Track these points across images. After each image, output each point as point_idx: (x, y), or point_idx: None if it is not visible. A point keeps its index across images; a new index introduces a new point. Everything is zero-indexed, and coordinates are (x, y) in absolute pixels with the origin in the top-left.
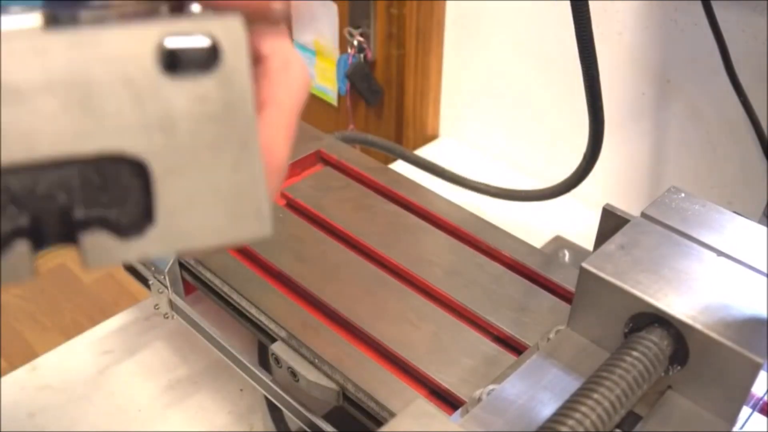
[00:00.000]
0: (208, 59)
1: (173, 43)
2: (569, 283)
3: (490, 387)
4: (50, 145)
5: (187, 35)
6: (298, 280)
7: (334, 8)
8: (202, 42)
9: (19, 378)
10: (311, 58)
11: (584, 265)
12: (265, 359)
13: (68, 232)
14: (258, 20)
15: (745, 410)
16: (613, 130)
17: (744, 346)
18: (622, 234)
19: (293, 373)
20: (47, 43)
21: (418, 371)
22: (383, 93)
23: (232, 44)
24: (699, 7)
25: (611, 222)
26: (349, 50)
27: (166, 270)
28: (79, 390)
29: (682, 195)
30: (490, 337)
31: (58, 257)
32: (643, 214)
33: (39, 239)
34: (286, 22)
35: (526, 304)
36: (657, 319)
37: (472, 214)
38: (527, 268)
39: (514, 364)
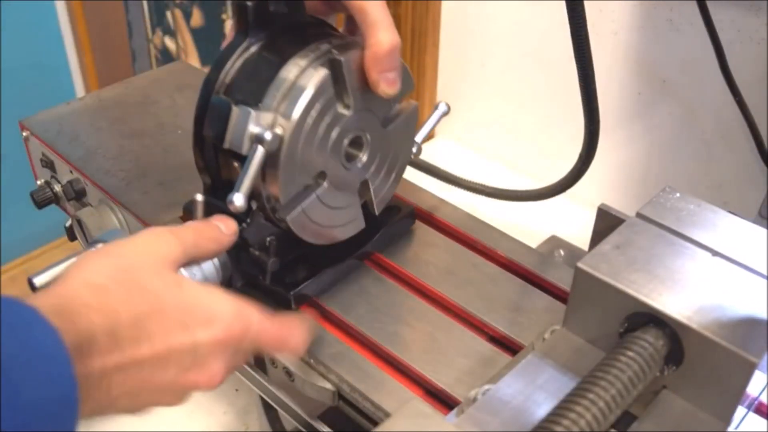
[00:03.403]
0: None
1: None
2: (565, 283)
3: (486, 387)
4: None
5: None
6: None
7: None
8: None
9: None
10: None
11: (579, 264)
12: (260, 359)
13: None
14: None
15: (741, 410)
16: (608, 130)
17: (739, 346)
18: (617, 234)
19: (288, 373)
20: None
21: (414, 371)
22: None
23: None
24: (694, 8)
25: (606, 222)
26: None
27: None
28: None
29: (677, 195)
30: (485, 337)
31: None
32: (638, 214)
33: None
34: None
35: (521, 304)
36: (652, 319)
37: (467, 214)
38: (523, 268)
39: (509, 364)
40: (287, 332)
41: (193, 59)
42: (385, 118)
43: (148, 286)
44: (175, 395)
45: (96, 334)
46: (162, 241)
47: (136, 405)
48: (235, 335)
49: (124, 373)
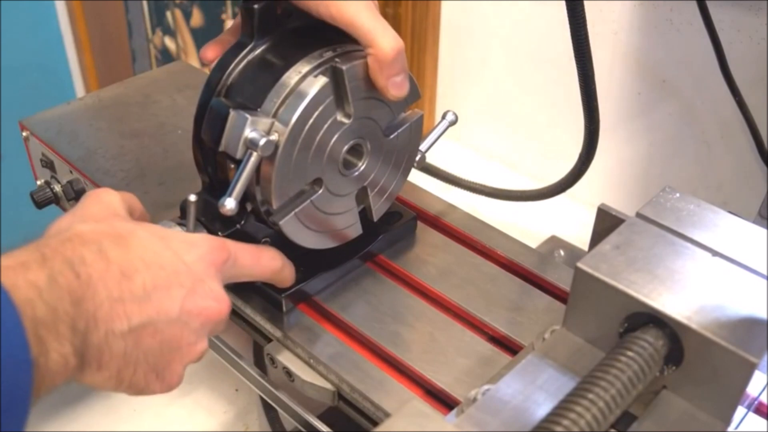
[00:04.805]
0: None
1: None
2: (564, 283)
3: (486, 387)
4: None
5: None
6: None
7: None
8: None
9: None
10: None
11: (579, 264)
12: (260, 359)
13: None
14: None
15: (741, 410)
16: (608, 130)
17: (739, 346)
18: (617, 234)
19: (288, 374)
20: None
21: (413, 371)
22: None
23: None
24: (694, 8)
25: (606, 222)
26: None
27: None
28: (74, 390)
29: (677, 195)
30: (485, 337)
31: None
32: (638, 214)
33: None
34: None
35: (521, 304)
36: (652, 319)
37: (467, 214)
38: (522, 268)
39: (509, 364)
40: (258, 249)
41: (193, 59)
42: (387, 127)
43: (112, 223)
44: (192, 330)
45: (85, 256)
46: (102, 195)
47: (158, 353)
48: (221, 254)
49: (134, 302)
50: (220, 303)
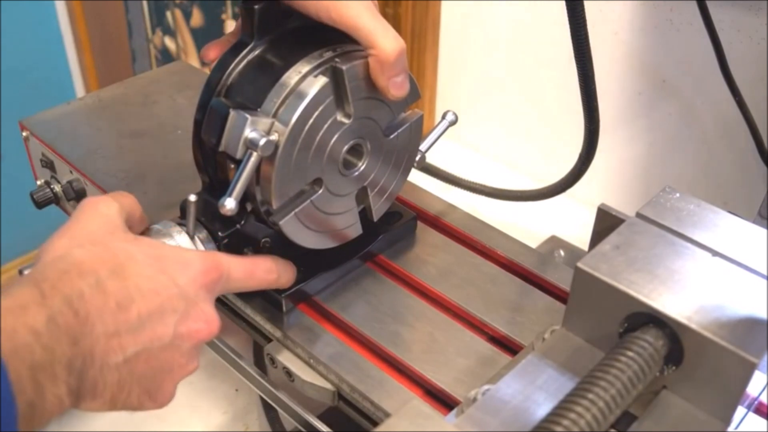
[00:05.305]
0: None
1: None
2: (564, 283)
3: (485, 387)
4: None
5: None
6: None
7: None
8: None
9: None
10: None
11: (579, 264)
12: (260, 359)
13: None
14: None
15: (741, 410)
16: (608, 130)
17: (739, 346)
18: (617, 234)
19: (288, 374)
20: None
21: (413, 371)
22: None
23: None
24: (694, 8)
25: (606, 222)
26: None
27: None
28: None
29: (677, 195)
30: (485, 337)
31: None
32: (638, 214)
33: None
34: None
35: (521, 304)
36: (652, 319)
37: (467, 214)
38: (522, 268)
39: (509, 364)
40: (253, 262)
41: (193, 59)
42: (387, 127)
43: (109, 244)
44: (183, 352)
45: (83, 290)
46: (100, 205)
47: (151, 376)
48: (213, 275)
49: (129, 333)
50: (210, 324)
